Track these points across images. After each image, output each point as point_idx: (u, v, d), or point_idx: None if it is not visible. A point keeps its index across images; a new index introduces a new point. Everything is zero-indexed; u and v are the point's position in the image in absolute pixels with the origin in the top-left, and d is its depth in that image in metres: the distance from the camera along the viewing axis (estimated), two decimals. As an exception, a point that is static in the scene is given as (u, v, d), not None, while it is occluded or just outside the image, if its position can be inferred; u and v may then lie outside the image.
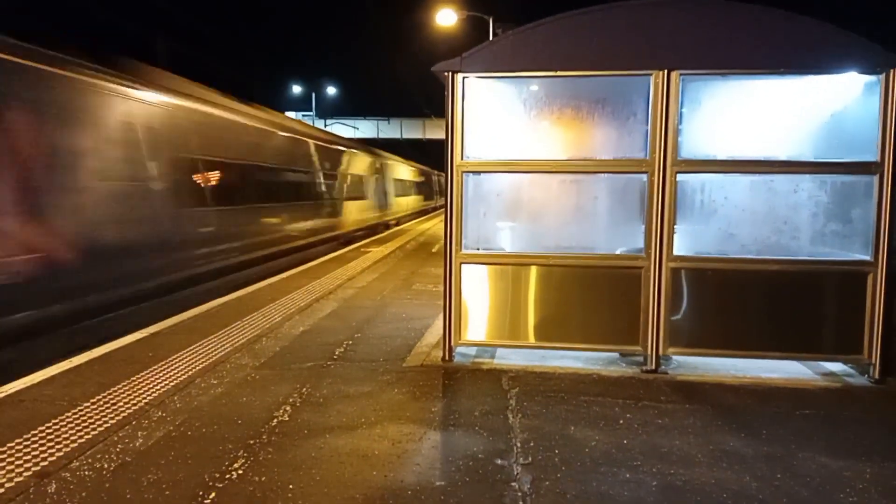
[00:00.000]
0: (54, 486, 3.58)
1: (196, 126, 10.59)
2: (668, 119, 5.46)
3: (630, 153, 5.72)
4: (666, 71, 5.42)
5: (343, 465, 3.86)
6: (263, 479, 3.69)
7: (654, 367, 5.64)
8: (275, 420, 4.54)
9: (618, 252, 5.87)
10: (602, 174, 5.94)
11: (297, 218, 15.67)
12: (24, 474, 3.69)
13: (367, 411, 4.72)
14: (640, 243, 5.65)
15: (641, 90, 5.55)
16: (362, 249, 15.97)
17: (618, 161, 5.76)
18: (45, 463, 3.83)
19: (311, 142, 17.63)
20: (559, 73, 5.65)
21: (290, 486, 3.60)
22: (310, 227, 16.49)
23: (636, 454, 4.03)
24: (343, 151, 21.17)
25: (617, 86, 5.80)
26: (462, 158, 5.74)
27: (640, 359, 5.77)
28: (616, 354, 6.01)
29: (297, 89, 52.98)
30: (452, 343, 5.91)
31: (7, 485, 3.60)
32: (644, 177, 5.57)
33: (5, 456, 3.91)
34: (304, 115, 48.29)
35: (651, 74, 5.46)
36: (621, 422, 4.55)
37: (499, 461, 3.92)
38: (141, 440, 4.17)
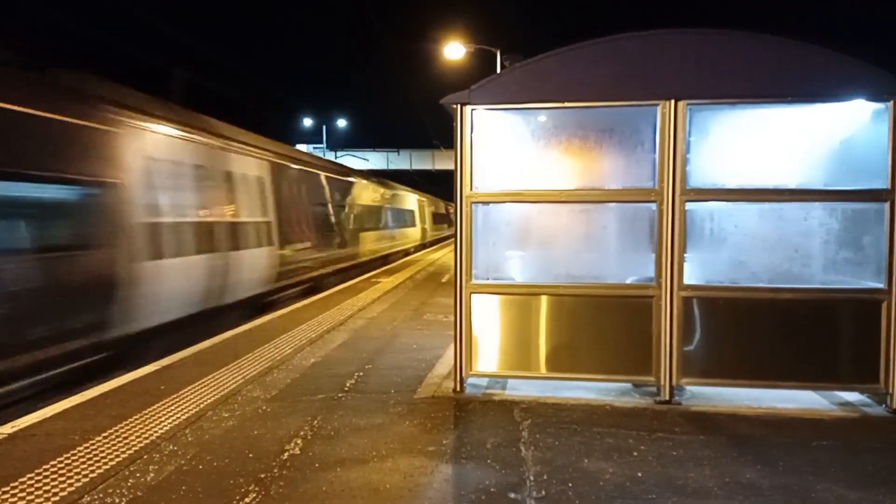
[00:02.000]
0: (65, 521, 3.57)
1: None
2: (676, 148, 5.48)
3: (638, 182, 5.74)
4: (673, 101, 5.46)
5: (354, 498, 3.83)
6: (274, 513, 3.66)
7: (667, 397, 5.59)
8: (286, 453, 4.51)
9: (628, 281, 5.86)
10: (611, 203, 5.96)
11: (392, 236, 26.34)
12: (36, 509, 3.69)
13: (379, 444, 4.69)
14: (651, 272, 5.64)
15: (649, 120, 5.59)
16: (372, 280, 15.99)
17: (626, 190, 5.79)
18: (57, 498, 3.82)
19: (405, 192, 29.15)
20: (566, 104, 5.70)
21: (302, 521, 3.57)
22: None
23: (651, 486, 3.98)
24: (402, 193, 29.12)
25: (624, 116, 5.85)
26: (471, 189, 5.78)
27: (654, 389, 5.71)
28: (629, 385, 5.95)
29: (307, 122, 53.52)
30: (464, 374, 5.89)
31: (18, 520, 3.59)
32: (653, 206, 5.58)
33: (17, 491, 3.91)
34: (315, 147, 48.75)
35: (658, 104, 5.50)
36: (635, 454, 4.50)
37: (512, 495, 3.87)
38: (152, 474, 4.15)
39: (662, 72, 5.49)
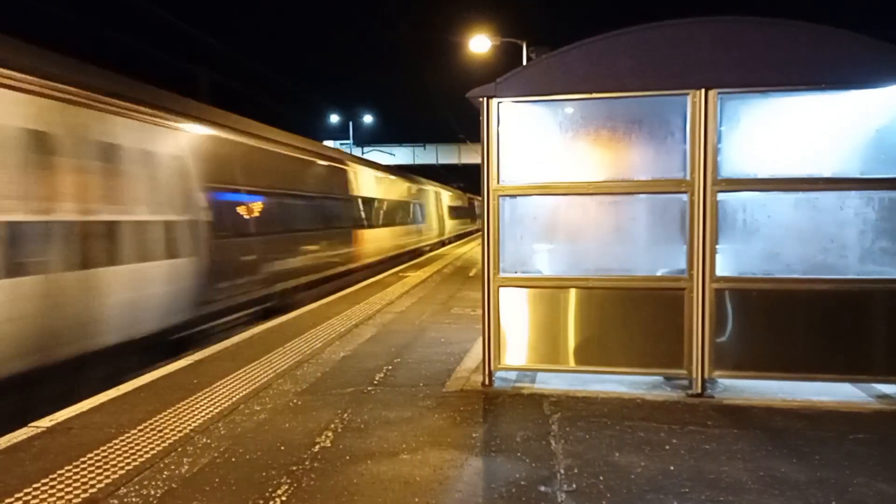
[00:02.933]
0: (103, 512, 3.64)
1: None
2: (707, 138, 5.40)
3: (669, 173, 5.66)
4: (703, 90, 5.38)
5: (385, 491, 3.85)
6: (306, 505, 3.70)
7: (699, 390, 5.52)
8: (317, 446, 4.55)
9: (659, 273, 5.79)
10: (641, 195, 5.89)
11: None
12: (74, 501, 3.77)
13: (409, 437, 4.71)
14: (682, 264, 5.57)
15: (678, 110, 5.51)
16: (400, 274, 16.04)
17: (657, 181, 5.71)
18: (94, 490, 3.90)
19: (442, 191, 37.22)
20: (594, 95, 5.64)
21: (333, 513, 3.60)
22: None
23: (683, 480, 3.94)
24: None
25: (653, 106, 5.77)
26: (498, 182, 5.75)
27: (685, 382, 5.65)
28: (660, 378, 5.89)
29: (334, 118, 53.70)
30: (492, 367, 5.88)
31: (58, 511, 3.67)
32: (684, 197, 5.51)
33: (55, 482, 4.00)
34: (342, 144, 48.97)
35: (688, 94, 5.42)
36: (667, 447, 4.45)
37: (542, 488, 3.86)
38: (186, 467, 4.22)
39: (692, 61, 5.41)
